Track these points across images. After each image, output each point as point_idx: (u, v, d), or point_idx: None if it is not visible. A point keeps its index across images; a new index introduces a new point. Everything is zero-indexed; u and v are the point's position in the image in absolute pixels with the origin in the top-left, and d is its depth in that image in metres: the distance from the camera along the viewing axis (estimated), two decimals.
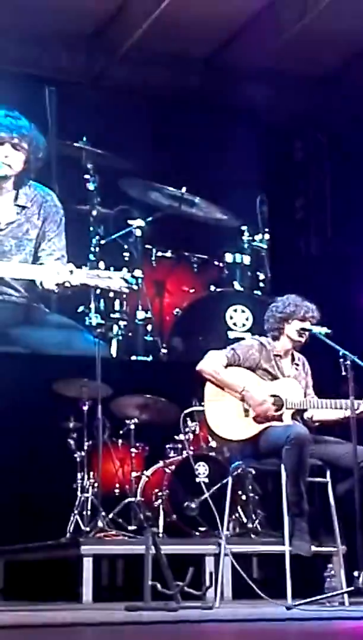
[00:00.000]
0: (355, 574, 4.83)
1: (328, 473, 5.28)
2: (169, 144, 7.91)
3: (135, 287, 7.07)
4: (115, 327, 7.29)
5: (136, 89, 7.97)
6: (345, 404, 5.26)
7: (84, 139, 7.53)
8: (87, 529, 6.04)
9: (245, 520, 6.40)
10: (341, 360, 5.18)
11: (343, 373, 5.15)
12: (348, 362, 5.16)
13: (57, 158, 7.49)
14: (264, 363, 5.46)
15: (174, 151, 7.93)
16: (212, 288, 7.55)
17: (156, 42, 7.55)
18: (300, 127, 8.50)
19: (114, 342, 7.28)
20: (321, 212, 8.55)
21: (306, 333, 5.46)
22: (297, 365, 5.57)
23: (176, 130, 8.00)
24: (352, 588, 4.88)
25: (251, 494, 6.47)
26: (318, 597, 5.01)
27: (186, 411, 6.40)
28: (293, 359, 5.58)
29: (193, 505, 6.20)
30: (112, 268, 6.88)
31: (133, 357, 7.29)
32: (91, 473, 6.29)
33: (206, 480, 6.27)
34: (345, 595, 5.04)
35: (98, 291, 6.69)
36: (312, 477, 5.23)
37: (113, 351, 7.27)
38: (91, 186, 7.50)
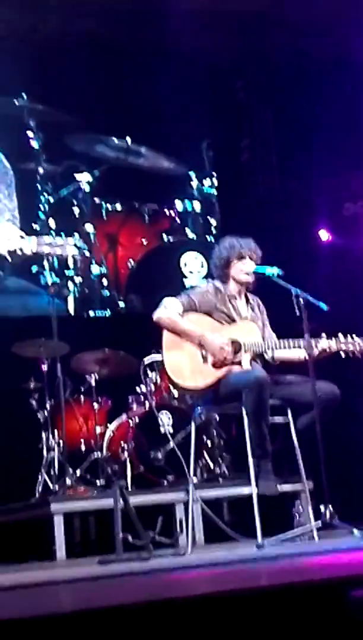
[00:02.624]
0: (322, 508, 4.88)
1: (289, 412, 5.31)
2: (111, 94, 7.80)
3: (87, 254, 7.01)
4: (70, 284, 7.23)
5: (70, 40, 7.81)
6: (303, 342, 5.26)
7: (24, 95, 7.39)
8: (56, 487, 6.03)
9: (211, 465, 6.41)
10: (294, 299, 5.18)
11: (298, 312, 5.16)
12: (302, 301, 5.16)
13: None
14: (220, 305, 5.45)
15: (116, 101, 7.82)
16: (165, 237, 7.50)
17: None
18: (240, 67, 8.40)
19: (70, 299, 7.22)
20: (266, 151, 8.49)
21: (251, 272, 5.43)
22: (252, 306, 5.56)
23: (116, 79, 7.88)
24: (319, 523, 4.94)
25: (216, 439, 6.49)
26: (287, 533, 5.05)
27: (145, 360, 6.37)
28: (247, 300, 5.57)
29: (159, 455, 6.21)
30: (62, 233, 6.79)
31: (91, 313, 7.24)
32: (56, 432, 6.25)
33: (171, 429, 6.26)
34: (314, 530, 5.09)
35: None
36: (274, 417, 5.25)
37: (70, 308, 7.21)
38: (35, 144, 7.39)
